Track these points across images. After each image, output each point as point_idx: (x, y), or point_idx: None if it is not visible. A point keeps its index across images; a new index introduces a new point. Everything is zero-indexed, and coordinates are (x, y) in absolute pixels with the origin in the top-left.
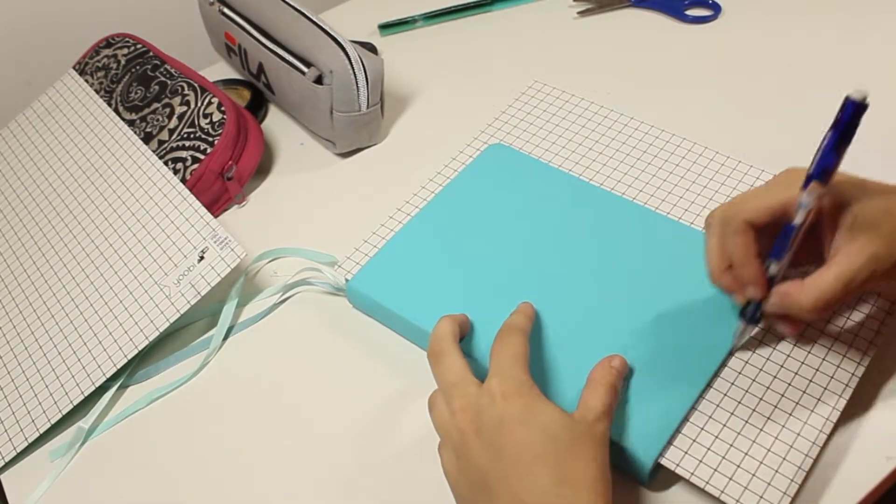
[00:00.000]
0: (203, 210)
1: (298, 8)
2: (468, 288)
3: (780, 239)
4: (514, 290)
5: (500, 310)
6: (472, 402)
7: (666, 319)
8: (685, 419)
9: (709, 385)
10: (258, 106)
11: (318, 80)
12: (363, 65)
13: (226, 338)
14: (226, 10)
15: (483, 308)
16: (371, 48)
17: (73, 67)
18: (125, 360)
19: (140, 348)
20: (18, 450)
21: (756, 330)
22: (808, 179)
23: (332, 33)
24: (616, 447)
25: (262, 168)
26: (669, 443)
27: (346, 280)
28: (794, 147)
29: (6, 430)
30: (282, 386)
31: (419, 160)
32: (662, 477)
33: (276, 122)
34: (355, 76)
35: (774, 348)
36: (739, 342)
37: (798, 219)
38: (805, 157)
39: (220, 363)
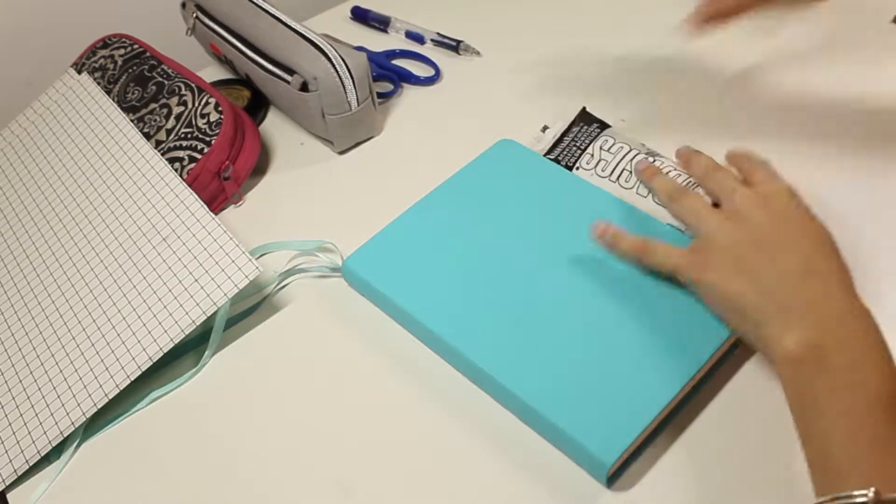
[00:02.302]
0: (210, 220)
1: (274, 13)
2: (464, 279)
3: None
4: (510, 284)
5: (495, 303)
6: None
7: (655, 319)
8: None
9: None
10: (259, 105)
11: (304, 88)
12: (346, 65)
13: (225, 336)
14: (207, 21)
15: (477, 300)
16: None
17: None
18: (128, 382)
19: (143, 369)
20: (20, 472)
21: None
22: None
23: (310, 36)
24: (575, 444)
25: (261, 167)
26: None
27: (343, 260)
28: (794, 146)
29: (6, 452)
30: (281, 382)
31: (421, 154)
32: (626, 479)
33: (276, 122)
34: (340, 79)
35: None
36: None
37: None
38: (806, 157)
39: (220, 362)
